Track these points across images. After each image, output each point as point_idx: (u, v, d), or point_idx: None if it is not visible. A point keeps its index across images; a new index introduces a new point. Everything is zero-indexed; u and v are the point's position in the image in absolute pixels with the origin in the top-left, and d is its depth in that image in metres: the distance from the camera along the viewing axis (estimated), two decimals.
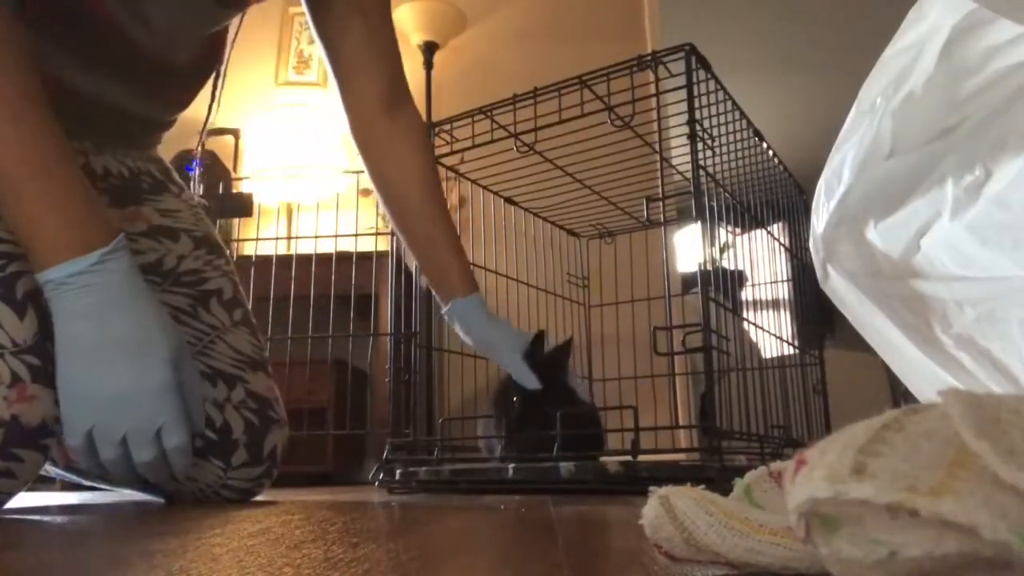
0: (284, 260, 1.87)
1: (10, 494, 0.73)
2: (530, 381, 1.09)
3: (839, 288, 0.83)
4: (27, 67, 0.71)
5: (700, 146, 1.06)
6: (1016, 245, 0.62)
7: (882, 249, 0.75)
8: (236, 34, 1.04)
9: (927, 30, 0.70)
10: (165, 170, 1.05)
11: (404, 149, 1.10)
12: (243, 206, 2.15)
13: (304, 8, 1.05)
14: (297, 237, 2.16)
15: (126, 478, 0.72)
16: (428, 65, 2.50)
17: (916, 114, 0.70)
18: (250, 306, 1.04)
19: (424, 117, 2.32)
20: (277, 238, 2.30)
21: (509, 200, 1.49)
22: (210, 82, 1.04)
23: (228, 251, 1.07)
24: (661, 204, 1.19)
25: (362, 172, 1.14)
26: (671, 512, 0.30)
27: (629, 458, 1.01)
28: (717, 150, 1.13)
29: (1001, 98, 0.65)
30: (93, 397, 0.68)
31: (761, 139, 1.31)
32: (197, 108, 1.05)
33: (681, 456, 1.65)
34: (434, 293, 1.15)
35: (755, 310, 1.39)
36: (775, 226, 1.43)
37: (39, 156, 0.68)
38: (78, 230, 0.69)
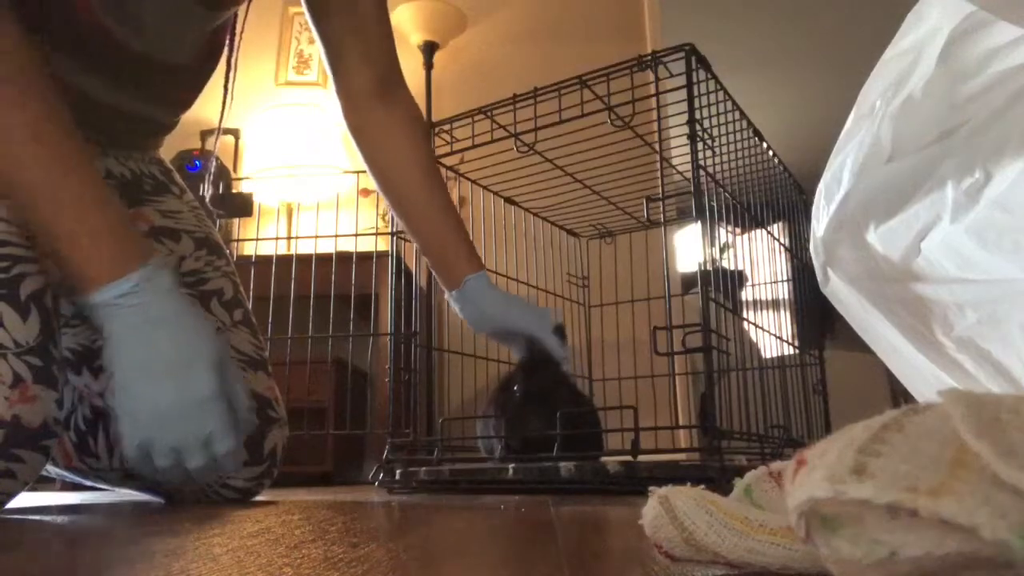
0: (284, 260, 1.87)
1: (11, 495, 0.73)
2: (558, 352, 1.09)
3: (840, 291, 0.83)
4: (46, 82, 0.71)
5: (700, 146, 1.06)
6: (1016, 247, 0.62)
7: (882, 252, 0.75)
8: (242, 30, 1.04)
9: (926, 33, 0.70)
10: (167, 171, 1.06)
11: (399, 135, 1.10)
12: (243, 206, 2.15)
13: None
14: (297, 237, 2.16)
15: (181, 481, 0.73)
16: (428, 65, 2.50)
17: (915, 117, 0.70)
18: (250, 306, 1.04)
19: (424, 117, 2.32)
20: (277, 238, 2.30)
21: (509, 200, 1.49)
22: (216, 80, 1.04)
23: (229, 252, 1.07)
24: (661, 204, 1.18)
25: (362, 172, 1.14)
26: (671, 512, 0.30)
27: (629, 458, 1.01)
28: (717, 150, 1.13)
29: (1001, 100, 0.65)
30: (145, 413, 0.69)
31: (761, 139, 1.31)
32: (198, 108, 1.05)
33: (681, 456, 1.64)
34: (436, 276, 1.13)
35: (755, 310, 1.39)
36: (775, 226, 1.43)
37: (68, 179, 0.69)
38: (117, 254, 0.70)
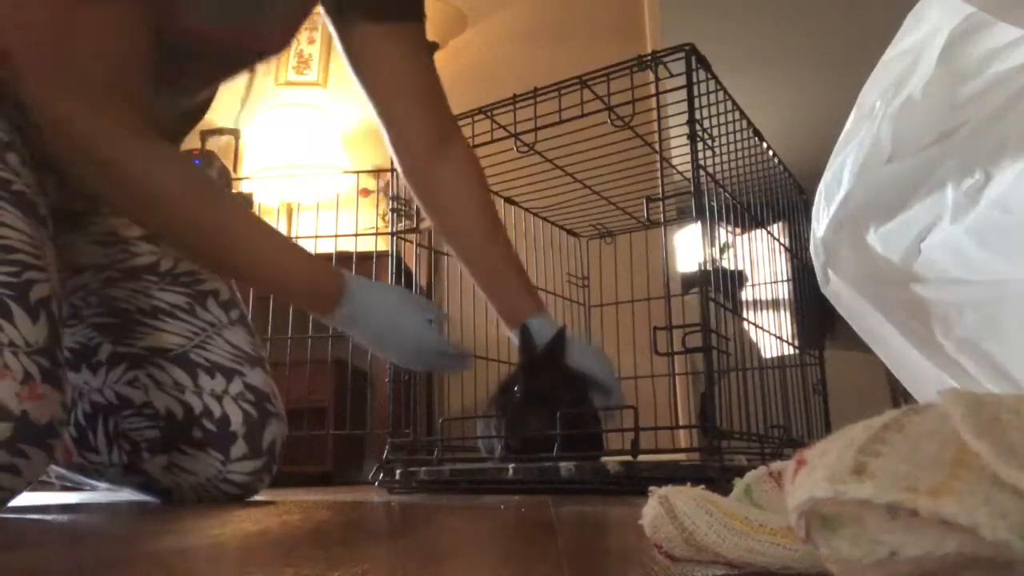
0: None
1: (13, 492, 0.73)
2: (619, 398, 1.15)
3: (840, 293, 0.83)
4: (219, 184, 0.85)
5: (700, 146, 1.06)
6: (1017, 248, 0.62)
7: (883, 253, 0.75)
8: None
9: (926, 34, 0.70)
10: None
11: (458, 186, 1.11)
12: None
13: (344, 60, 1.06)
14: (297, 237, 2.16)
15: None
16: None
17: (915, 118, 0.70)
18: (250, 306, 1.05)
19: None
20: None
21: (509, 200, 1.49)
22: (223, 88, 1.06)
23: None
24: (661, 204, 1.18)
25: (362, 172, 1.14)
26: (671, 512, 0.30)
27: (629, 458, 1.01)
28: (717, 150, 1.13)
29: (1000, 101, 0.65)
30: (398, 359, 1.00)
31: (761, 139, 1.31)
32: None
33: (681, 456, 1.64)
34: (499, 315, 1.16)
35: (755, 310, 1.39)
36: (775, 226, 1.43)
37: (287, 252, 0.92)
38: (331, 284, 0.90)
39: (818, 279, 0.86)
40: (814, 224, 0.83)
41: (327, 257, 1.80)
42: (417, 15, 1.06)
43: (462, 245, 1.15)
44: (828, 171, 0.79)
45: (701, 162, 1.06)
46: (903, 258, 0.73)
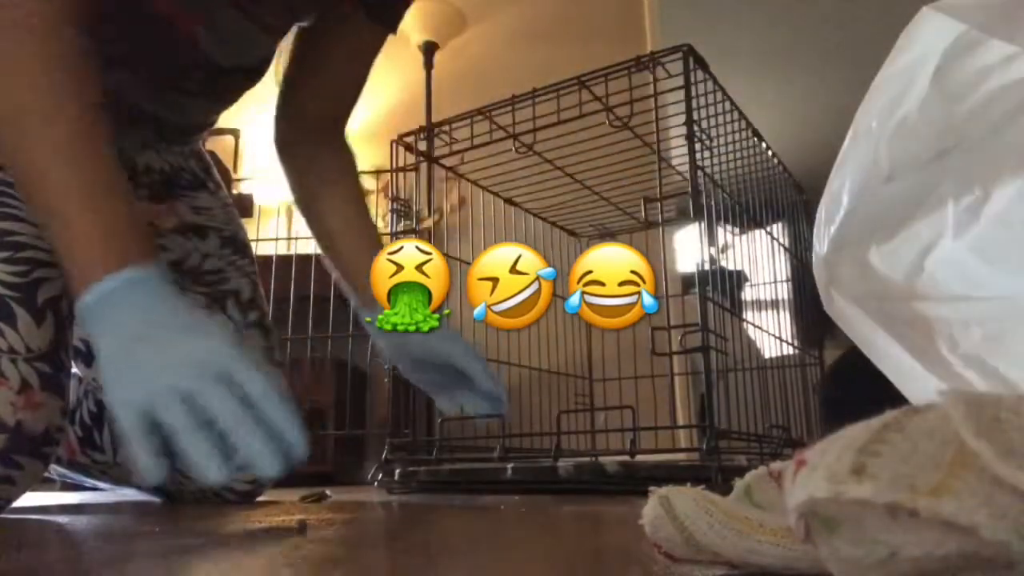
0: (284, 260, 1.87)
1: (9, 501, 0.73)
2: (486, 384, 0.86)
3: (844, 312, 0.83)
4: (90, 90, 0.63)
5: (698, 146, 1.06)
6: (1020, 263, 0.62)
7: (885, 272, 0.75)
8: None
9: (919, 53, 0.70)
10: (206, 167, 1.06)
11: (333, 159, 1.05)
12: (243, 207, 2.15)
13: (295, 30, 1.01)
14: (297, 238, 2.16)
15: None
16: (428, 65, 2.50)
17: (912, 137, 0.71)
18: (269, 308, 1.05)
19: (424, 118, 2.31)
20: (277, 238, 2.30)
21: (509, 201, 1.49)
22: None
23: (252, 250, 1.08)
24: (659, 205, 1.18)
25: (362, 172, 1.14)
26: (671, 512, 0.30)
27: (628, 458, 1.02)
28: (716, 151, 1.13)
29: (996, 118, 0.66)
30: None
31: (760, 139, 1.31)
32: None
33: (680, 456, 1.65)
34: (361, 299, 0.96)
35: (755, 310, 1.39)
36: (775, 226, 1.43)
37: (88, 183, 0.60)
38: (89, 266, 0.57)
39: (821, 299, 0.86)
40: (815, 244, 0.83)
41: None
42: (396, 26, 1.01)
43: (324, 215, 1.04)
44: (827, 191, 0.79)
45: (699, 162, 1.06)
46: (906, 276, 0.73)
